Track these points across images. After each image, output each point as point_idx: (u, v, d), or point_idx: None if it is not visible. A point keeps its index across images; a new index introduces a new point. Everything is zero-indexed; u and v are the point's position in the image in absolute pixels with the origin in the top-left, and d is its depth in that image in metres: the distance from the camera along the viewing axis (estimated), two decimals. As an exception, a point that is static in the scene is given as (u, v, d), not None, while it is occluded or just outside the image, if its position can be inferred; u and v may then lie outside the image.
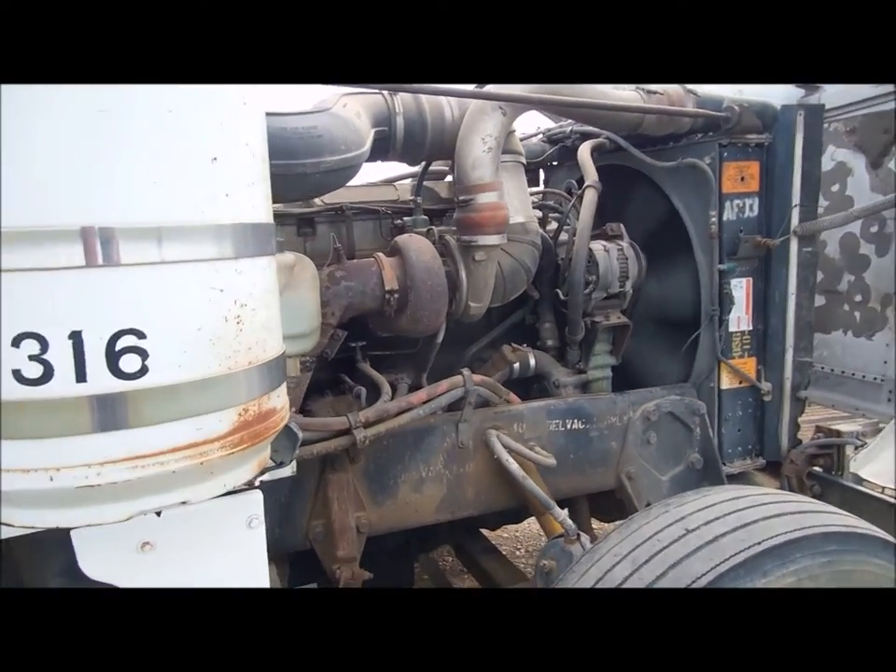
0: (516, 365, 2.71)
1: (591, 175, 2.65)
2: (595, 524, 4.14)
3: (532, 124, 3.48)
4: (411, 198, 2.65)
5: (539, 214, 2.96)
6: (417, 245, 2.27)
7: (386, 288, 2.21)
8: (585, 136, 3.00)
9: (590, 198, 2.57)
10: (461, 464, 2.41)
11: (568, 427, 2.57)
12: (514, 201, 2.44)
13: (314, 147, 1.76)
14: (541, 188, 3.60)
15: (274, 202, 1.27)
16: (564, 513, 2.11)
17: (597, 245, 2.62)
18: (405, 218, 2.61)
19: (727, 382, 2.79)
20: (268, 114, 1.72)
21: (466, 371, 2.32)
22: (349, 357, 2.57)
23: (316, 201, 2.67)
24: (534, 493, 2.10)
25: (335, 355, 2.42)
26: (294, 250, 2.19)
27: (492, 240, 2.22)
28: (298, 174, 1.74)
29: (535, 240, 2.45)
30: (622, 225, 2.72)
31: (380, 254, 2.30)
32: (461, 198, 2.19)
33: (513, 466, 2.11)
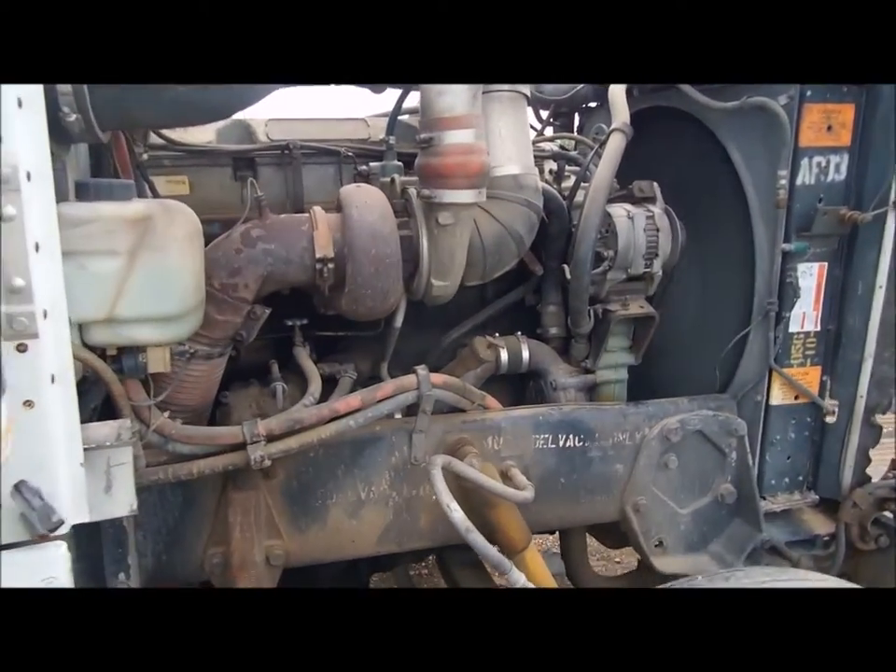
0: (504, 358, 2.13)
1: (619, 115, 1.99)
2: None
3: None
4: (382, 137, 2.04)
5: (553, 166, 2.31)
6: (364, 199, 1.69)
7: (317, 256, 1.65)
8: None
9: (613, 146, 1.92)
10: (413, 485, 1.88)
11: (561, 443, 2.00)
12: (506, 145, 1.81)
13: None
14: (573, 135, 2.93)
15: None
16: (521, 580, 1.55)
17: (619, 210, 1.97)
18: (372, 164, 2.02)
19: (779, 396, 2.15)
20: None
21: (421, 370, 1.75)
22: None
23: (260, 136, 2.10)
24: (482, 552, 1.55)
25: (258, 336, 1.89)
26: (229, 197, 1.65)
27: (461, 196, 1.61)
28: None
29: (532, 199, 1.82)
30: (655, 184, 2.06)
31: (317, 209, 1.73)
32: (422, 136, 1.58)
33: (456, 515, 1.55)
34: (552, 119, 2.94)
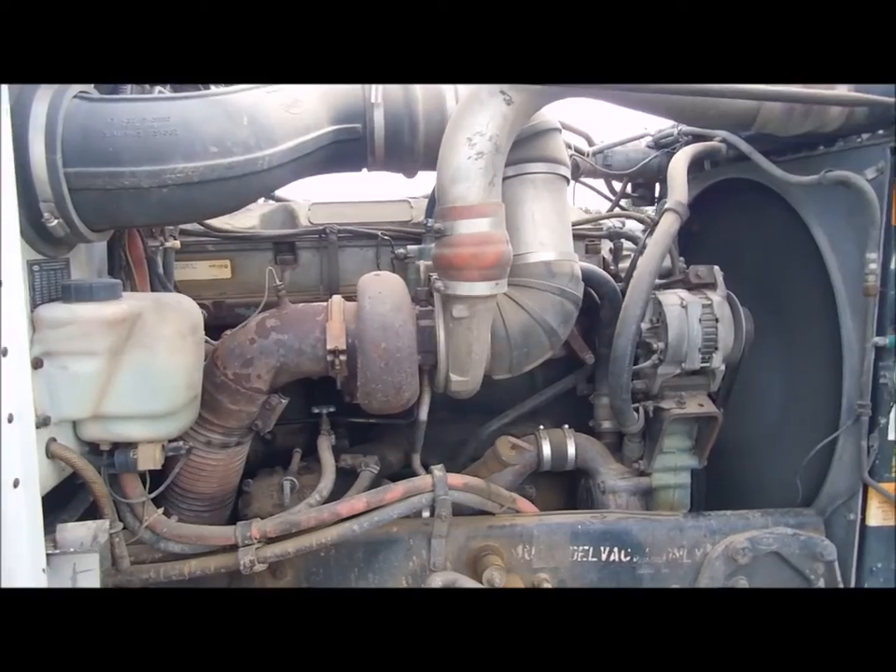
0: (546, 452, 1.95)
1: (675, 192, 1.81)
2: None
3: (638, 125, 2.62)
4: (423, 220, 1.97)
5: (610, 246, 2.15)
6: (378, 289, 1.61)
7: (329, 347, 1.58)
8: (699, 139, 2.14)
9: (664, 227, 1.74)
10: (435, 592, 1.72)
11: (604, 557, 1.77)
12: (539, 231, 1.68)
13: (155, 147, 1.18)
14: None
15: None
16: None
17: (671, 298, 1.77)
18: (409, 247, 1.96)
19: (879, 516, 1.80)
20: (85, 97, 1.18)
21: (438, 470, 1.62)
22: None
23: (302, 220, 2.10)
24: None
25: (293, 420, 1.85)
26: (272, 281, 1.66)
27: (476, 289, 1.49)
28: (123, 188, 1.17)
29: (567, 287, 1.67)
30: (716, 268, 1.83)
31: (336, 298, 1.68)
32: (436, 226, 1.49)
33: None
34: (630, 192, 2.78)
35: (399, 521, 1.71)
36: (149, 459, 1.38)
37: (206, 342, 1.67)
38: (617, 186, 2.74)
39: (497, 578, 1.63)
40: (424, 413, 1.75)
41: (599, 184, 2.83)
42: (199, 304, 1.92)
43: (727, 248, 2.26)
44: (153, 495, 1.46)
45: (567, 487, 2.21)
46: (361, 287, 1.62)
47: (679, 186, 1.81)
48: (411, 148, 1.68)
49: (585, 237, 2.24)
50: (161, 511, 1.49)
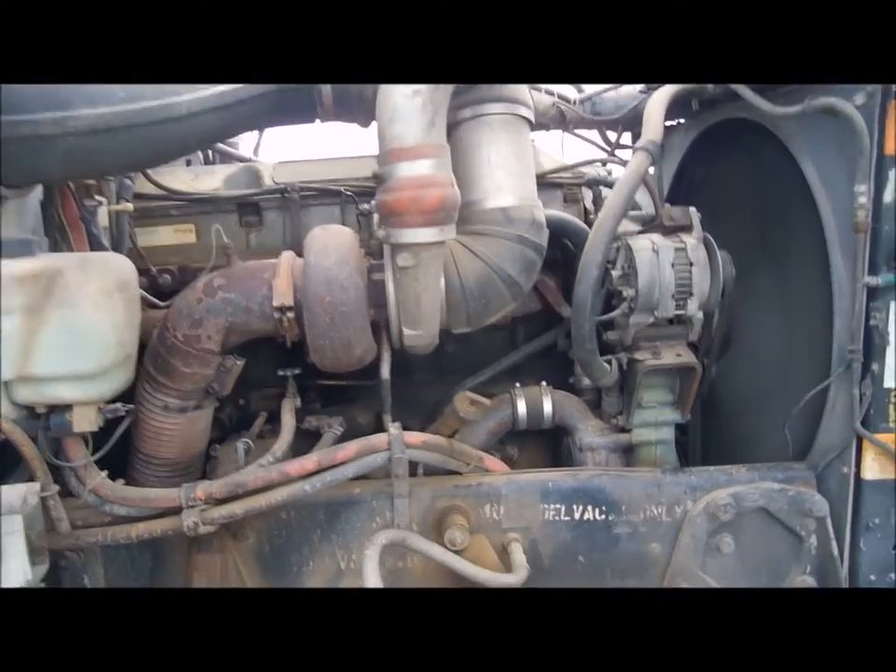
0: (521, 410, 1.88)
1: (648, 131, 1.68)
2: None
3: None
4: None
5: (590, 195, 2.04)
6: (323, 242, 1.55)
7: (275, 304, 1.53)
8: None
9: (634, 166, 1.62)
10: (399, 556, 1.67)
11: (577, 516, 1.70)
12: (496, 174, 1.59)
13: (55, 93, 1.13)
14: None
15: None
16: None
17: (642, 242, 1.65)
18: (372, 202, 1.88)
19: (875, 469, 1.67)
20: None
21: (394, 427, 1.56)
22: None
23: (266, 181, 2.04)
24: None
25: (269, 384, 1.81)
26: (235, 244, 1.62)
27: (418, 235, 1.40)
28: (24, 137, 1.12)
29: (526, 234, 1.58)
30: (692, 210, 1.71)
31: (286, 254, 1.62)
32: (374, 171, 1.42)
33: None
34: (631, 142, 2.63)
35: (361, 481, 1.66)
36: (85, 421, 1.35)
37: (155, 305, 1.64)
38: (613, 136, 2.60)
39: (458, 537, 1.57)
40: (385, 371, 1.68)
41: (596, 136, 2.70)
42: (164, 270, 1.92)
43: (729, 194, 2.13)
44: (95, 457, 1.44)
45: (553, 447, 2.13)
46: (307, 242, 1.56)
47: (653, 124, 1.69)
48: (360, 95, 1.59)
49: (563, 185, 2.13)
50: (104, 474, 1.47)
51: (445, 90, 1.41)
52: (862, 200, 1.53)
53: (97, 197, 1.51)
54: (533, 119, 1.69)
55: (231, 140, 2.46)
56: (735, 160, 2.11)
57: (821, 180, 1.68)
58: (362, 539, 1.67)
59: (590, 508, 1.70)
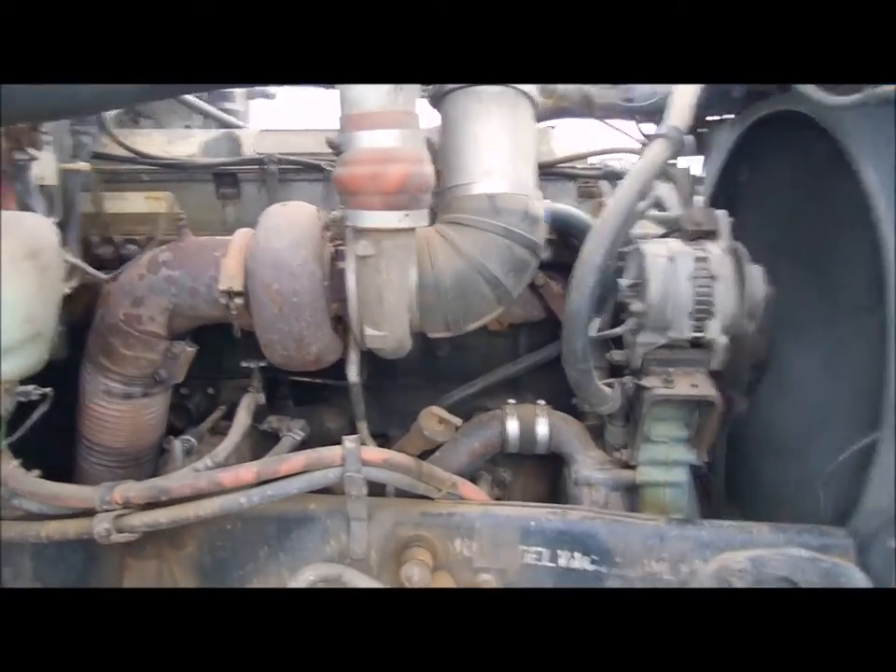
0: (512, 431, 1.64)
1: (674, 115, 1.40)
2: None
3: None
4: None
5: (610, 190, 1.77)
6: (277, 221, 1.34)
7: (221, 288, 1.34)
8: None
9: (651, 156, 1.35)
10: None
11: (562, 562, 1.44)
12: (484, 156, 1.35)
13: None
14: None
15: None
16: None
17: (656, 248, 1.38)
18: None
19: (932, 545, 1.37)
20: None
21: (350, 440, 1.34)
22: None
23: (247, 150, 1.85)
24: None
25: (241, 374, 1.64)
26: (212, 217, 1.44)
27: (380, 219, 1.17)
28: None
29: (517, 227, 1.32)
30: (720, 213, 1.42)
31: (243, 231, 1.42)
32: (328, 138, 1.20)
33: None
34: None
35: (318, 495, 1.46)
36: (-11, 401, 1.19)
37: (96, 278, 1.47)
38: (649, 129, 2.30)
39: (415, 575, 1.34)
40: (352, 374, 1.47)
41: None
42: (130, 241, 1.75)
43: (775, 199, 1.82)
44: (6, 442, 1.29)
45: (557, 472, 1.88)
46: (260, 219, 1.36)
47: (679, 108, 1.41)
48: None
49: (578, 177, 1.86)
50: (16, 462, 1.31)
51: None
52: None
53: (30, 150, 1.34)
54: (536, 98, 1.43)
55: (227, 105, 2.29)
56: (783, 160, 1.80)
57: (882, 186, 1.36)
58: (314, 562, 1.47)
59: (577, 555, 1.44)
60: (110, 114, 1.77)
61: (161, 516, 1.30)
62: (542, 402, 1.67)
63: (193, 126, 2.24)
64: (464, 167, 1.35)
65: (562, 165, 1.82)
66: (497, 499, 1.76)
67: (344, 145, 1.17)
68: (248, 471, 1.32)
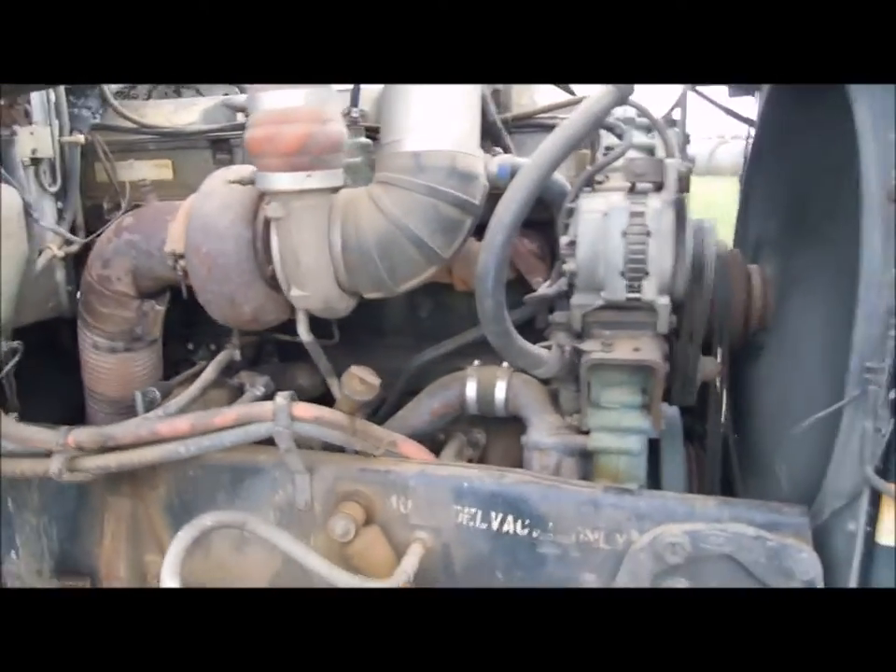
0: (470, 393, 1.63)
1: None
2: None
3: None
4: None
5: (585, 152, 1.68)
6: (213, 185, 1.41)
7: (166, 250, 1.43)
8: None
9: (587, 105, 1.25)
10: (303, 532, 1.54)
11: (494, 525, 1.44)
12: (412, 113, 1.33)
13: None
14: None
15: None
16: None
17: (593, 203, 1.30)
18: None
19: (893, 531, 1.23)
20: None
21: (280, 397, 1.40)
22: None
23: (241, 117, 1.92)
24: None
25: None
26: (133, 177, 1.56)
27: (279, 182, 1.20)
28: None
29: (442, 185, 1.30)
30: (668, 162, 1.30)
31: (194, 195, 1.50)
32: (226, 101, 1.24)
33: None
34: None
35: (268, 449, 1.54)
36: (-38, 354, 1.36)
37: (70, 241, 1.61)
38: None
39: (339, 527, 1.40)
40: (303, 332, 1.52)
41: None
42: (137, 206, 1.89)
43: (796, 170, 1.67)
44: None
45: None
46: (202, 184, 1.43)
47: None
48: None
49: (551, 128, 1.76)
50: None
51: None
52: (900, 164, 1.08)
53: (15, 127, 1.49)
54: (482, 48, 1.38)
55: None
56: (804, 128, 1.62)
57: (873, 125, 1.21)
58: (266, 510, 1.57)
59: (510, 518, 1.43)
60: (111, 87, 1.91)
61: (112, 461, 1.43)
62: (506, 365, 1.64)
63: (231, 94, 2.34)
64: (394, 124, 1.35)
65: (542, 116, 1.74)
66: (470, 460, 1.78)
67: (250, 107, 1.20)
68: (184, 423, 1.42)
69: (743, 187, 2.08)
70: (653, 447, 1.68)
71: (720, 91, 2.16)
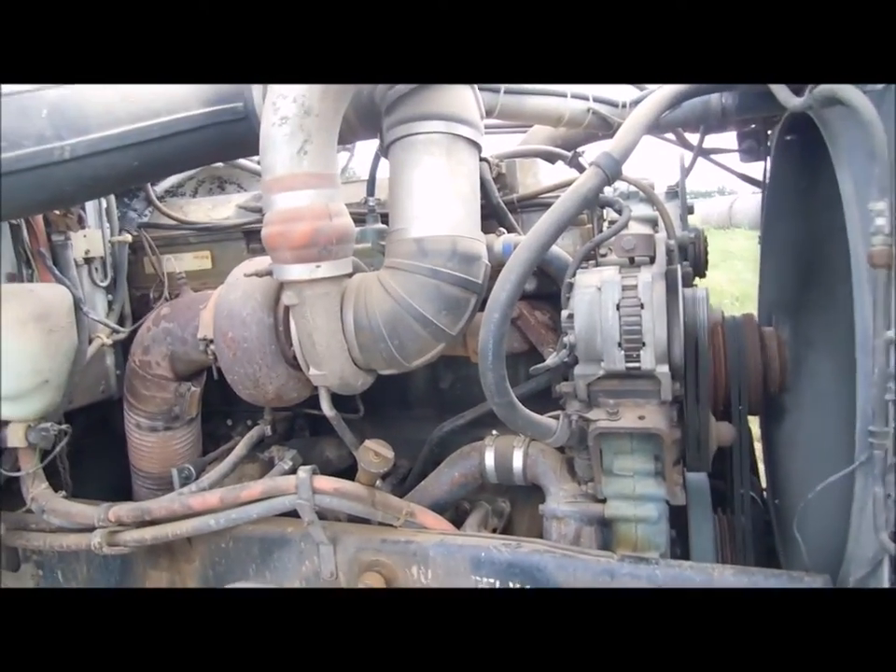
0: (489, 462, 1.67)
1: (615, 140, 1.37)
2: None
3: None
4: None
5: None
6: (238, 273, 1.53)
7: (198, 336, 1.55)
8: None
9: (577, 185, 1.33)
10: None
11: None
12: (415, 203, 1.43)
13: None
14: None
15: None
16: None
17: (588, 278, 1.36)
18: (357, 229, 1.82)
19: (919, 602, 1.19)
20: None
21: (302, 471, 1.47)
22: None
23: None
24: None
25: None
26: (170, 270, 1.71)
27: (292, 272, 1.31)
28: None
29: (444, 267, 1.38)
30: (658, 237, 1.35)
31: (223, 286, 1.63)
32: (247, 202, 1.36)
33: None
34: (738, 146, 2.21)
35: (295, 521, 1.61)
36: (15, 437, 1.50)
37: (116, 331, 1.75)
38: (694, 139, 2.20)
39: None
40: (325, 408, 1.60)
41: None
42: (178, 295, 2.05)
43: (808, 232, 1.70)
44: (35, 468, 1.58)
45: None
46: (228, 276, 1.55)
47: (623, 132, 1.37)
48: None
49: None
50: (45, 485, 1.61)
51: (322, 114, 1.30)
52: (880, 222, 1.10)
53: (69, 232, 1.66)
54: (480, 140, 1.49)
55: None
56: (810, 165, 1.66)
57: (856, 195, 1.24)
58: (293, 579, 1.62)
59: (528, 588, 1.44)
60: (157, 188, 2.10)
61: (147, 534, 1.52)
62: (522, 435, 1.68)
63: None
64: (399, 214, 1.45)
65: (546, 195, 1.83)
66: (494, 530, 1.80)
67: (265, 206, 1.33)
68: (214, 497, 1.51)
69: (761, 247, 2.09)
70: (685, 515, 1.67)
71: (731, 158, 2.21)
